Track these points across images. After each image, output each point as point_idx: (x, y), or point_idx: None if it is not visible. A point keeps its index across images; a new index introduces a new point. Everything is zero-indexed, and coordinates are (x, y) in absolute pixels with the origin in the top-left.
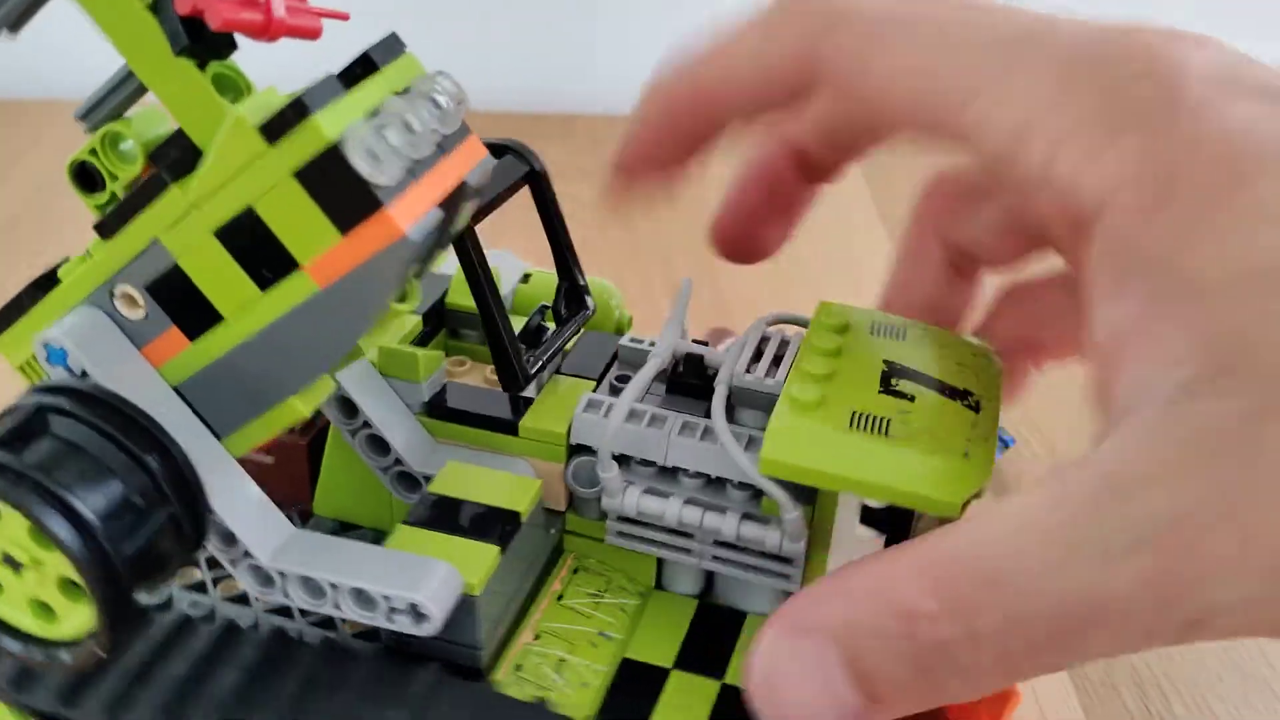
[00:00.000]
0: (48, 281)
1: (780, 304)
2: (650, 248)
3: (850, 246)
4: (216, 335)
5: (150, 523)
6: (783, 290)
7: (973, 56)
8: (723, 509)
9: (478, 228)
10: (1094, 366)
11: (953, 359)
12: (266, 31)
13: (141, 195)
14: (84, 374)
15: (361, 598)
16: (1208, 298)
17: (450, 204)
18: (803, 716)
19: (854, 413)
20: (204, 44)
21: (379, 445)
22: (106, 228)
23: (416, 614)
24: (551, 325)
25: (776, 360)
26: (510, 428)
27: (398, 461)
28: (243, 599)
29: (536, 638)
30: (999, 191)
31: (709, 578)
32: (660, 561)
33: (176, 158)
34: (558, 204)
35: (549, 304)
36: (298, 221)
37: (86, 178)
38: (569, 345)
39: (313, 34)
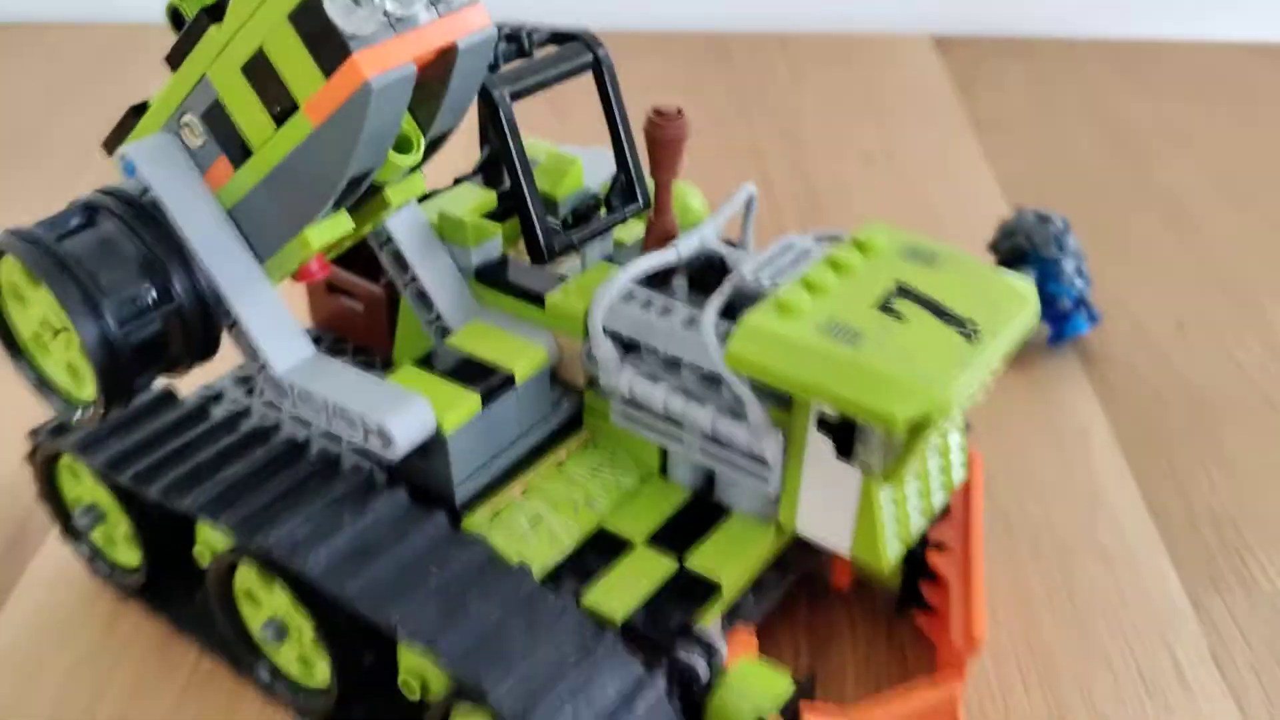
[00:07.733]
0: (142, 108)
1: (871, 198)
2: (743, 147)
3: (942, 150)
4: (251, 166)
5: (156, 320)
6: (875, 187)
7: None
8: (706, 402)
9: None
10: None
11: (972, 289)
12: None
13: (191, 33)
14: (145, 190)
15: (345, 416)
16: None
17: (438, 64)
18: None
19: (832, 322)
20: None
21: (424, 300)
22: (171, 61)
23: (384, 437)
24: (603, 212)
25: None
26: (538, 300)
27: (439, 317)
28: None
29: (524, 493)
30: None
31: (710, 474)
32: (665, 450)
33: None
34: (620, 94)
35: (602, 194)
36: (295, 63)
37: (177, 17)
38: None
39: None
